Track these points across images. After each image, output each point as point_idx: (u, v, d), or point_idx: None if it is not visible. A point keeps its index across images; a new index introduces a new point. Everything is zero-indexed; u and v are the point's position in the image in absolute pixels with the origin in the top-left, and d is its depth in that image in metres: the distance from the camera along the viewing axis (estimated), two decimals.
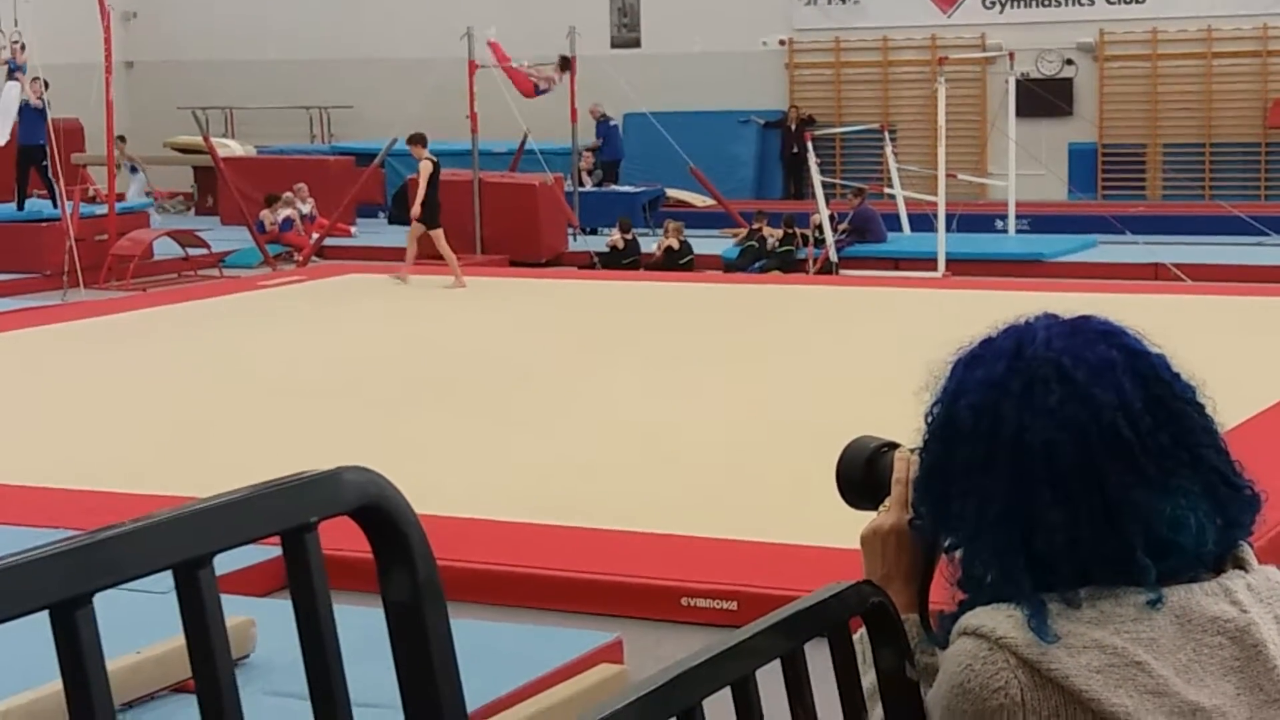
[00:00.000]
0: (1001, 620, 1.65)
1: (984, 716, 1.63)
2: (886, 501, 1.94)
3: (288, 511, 1.22)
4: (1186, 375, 1.74)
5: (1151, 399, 1.69)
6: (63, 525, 7.11)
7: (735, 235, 20.21)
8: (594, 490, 8.78)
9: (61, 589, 1.07)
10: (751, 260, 19.10)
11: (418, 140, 17.66)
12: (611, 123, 24.64)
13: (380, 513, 1.27)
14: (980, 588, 1.71)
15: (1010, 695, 1.62)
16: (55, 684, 5.14)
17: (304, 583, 1.24)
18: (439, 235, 17.18)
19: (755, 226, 19.56)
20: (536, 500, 8.50)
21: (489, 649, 5.96)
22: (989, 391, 1.71)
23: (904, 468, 1.92)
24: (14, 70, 20.55)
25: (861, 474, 2.00)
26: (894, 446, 2.00)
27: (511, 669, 6.03)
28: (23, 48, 20.37)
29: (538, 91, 21.48)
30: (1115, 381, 1.68)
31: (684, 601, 7.11)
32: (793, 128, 24.56)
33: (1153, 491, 1.66)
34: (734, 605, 6.96)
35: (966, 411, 1.72)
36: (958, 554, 1.77)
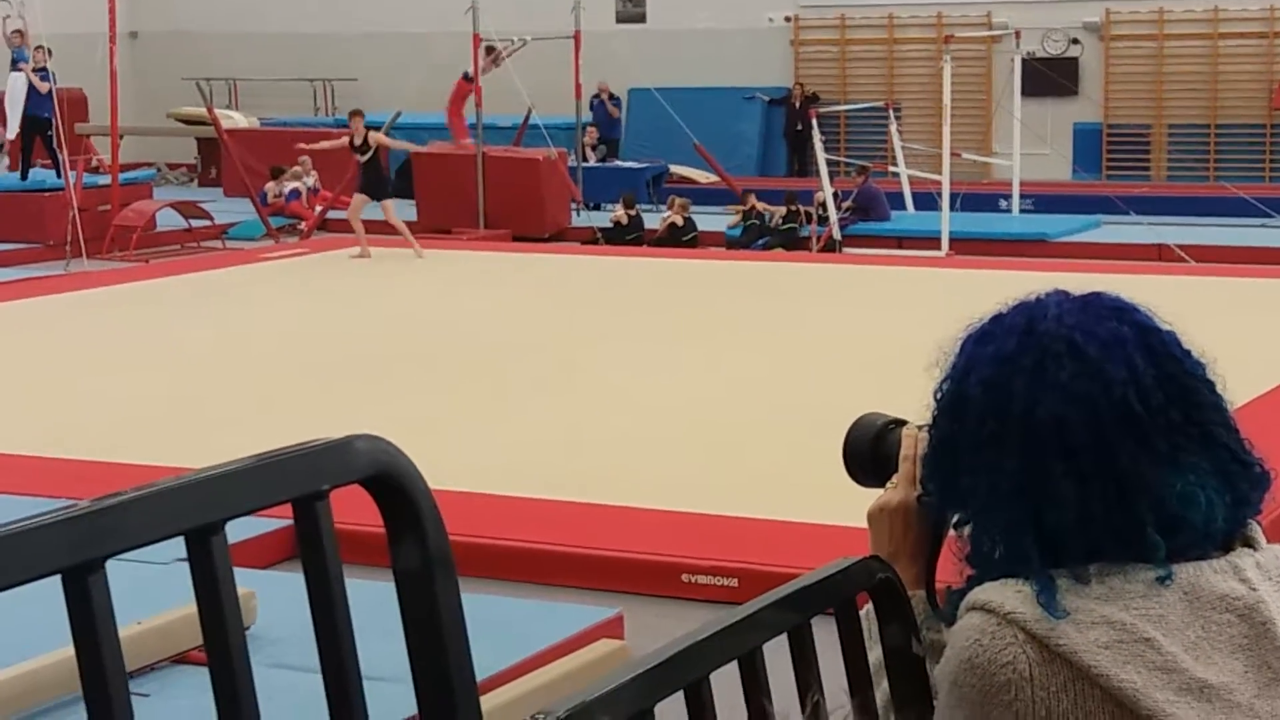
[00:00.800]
0: (1010, 595, 1.65)
1: (991, 691, 1.63)
2: (894, 478, 1.94)
3: (300, 479, 1.22)
4: (1196, 352, 1.74)
5: (1163, 375, 1.69)
6: (65, 495, 7.11)
7: (737, 212, 20.18)
8: (596, 466, 8.78)
9: (73, 554, 1.07)
10: (754, 238, 19.08)
11: (358, 114, 17.96)
12: (615, 99, 24.61)
13: (391, 481, 1.27)
14: (989, 564, 1.71)
15: (1018, 670, 1.62)
16: (56, 653, 5.16)
17: (315, 551, 1.24)
18: (388, 207, 17.45)
19: (748, 207, 19.52)
20: (538, 475, 8.51)
21: (490, 623, 5.97)
22: (1000, 367, 1.71)
23: (912, 444, 1.92)
24: (17, 61, 20.54)
25: (869, 451, 1.99)
26: (901, 423, 1.99)
27: (512, 643, 6.04)
28: (21, 34, 20.33)
29: (466, 80, 21.44)
30: (1126, 357, 1.68)
31: (685, 578, 7.12)
32: (797, 105, 24.52)
33: (1163, 467, 1.66)
34: (735, 582, 6.96)
35: (977, 387, 1.72)
36: (966, 530, 1.76)
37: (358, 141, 17.54)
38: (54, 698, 5.34)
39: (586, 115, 23.09)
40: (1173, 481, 1.66)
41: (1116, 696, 1.61)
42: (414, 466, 1.28)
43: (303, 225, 20.68)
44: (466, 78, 21.47)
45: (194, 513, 1.15)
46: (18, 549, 1.05)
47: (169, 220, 19.76)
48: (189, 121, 25.53)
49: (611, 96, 24.57)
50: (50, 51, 19.67)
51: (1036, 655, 1.62)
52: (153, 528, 1.12)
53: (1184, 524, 1.66)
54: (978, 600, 1.67)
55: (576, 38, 21.94)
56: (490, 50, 21.43)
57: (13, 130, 20.76)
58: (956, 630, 1.68)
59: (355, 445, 1.26)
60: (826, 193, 18.82)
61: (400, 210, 18.91)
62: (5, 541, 1.05)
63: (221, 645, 1.16)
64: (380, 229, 17.65)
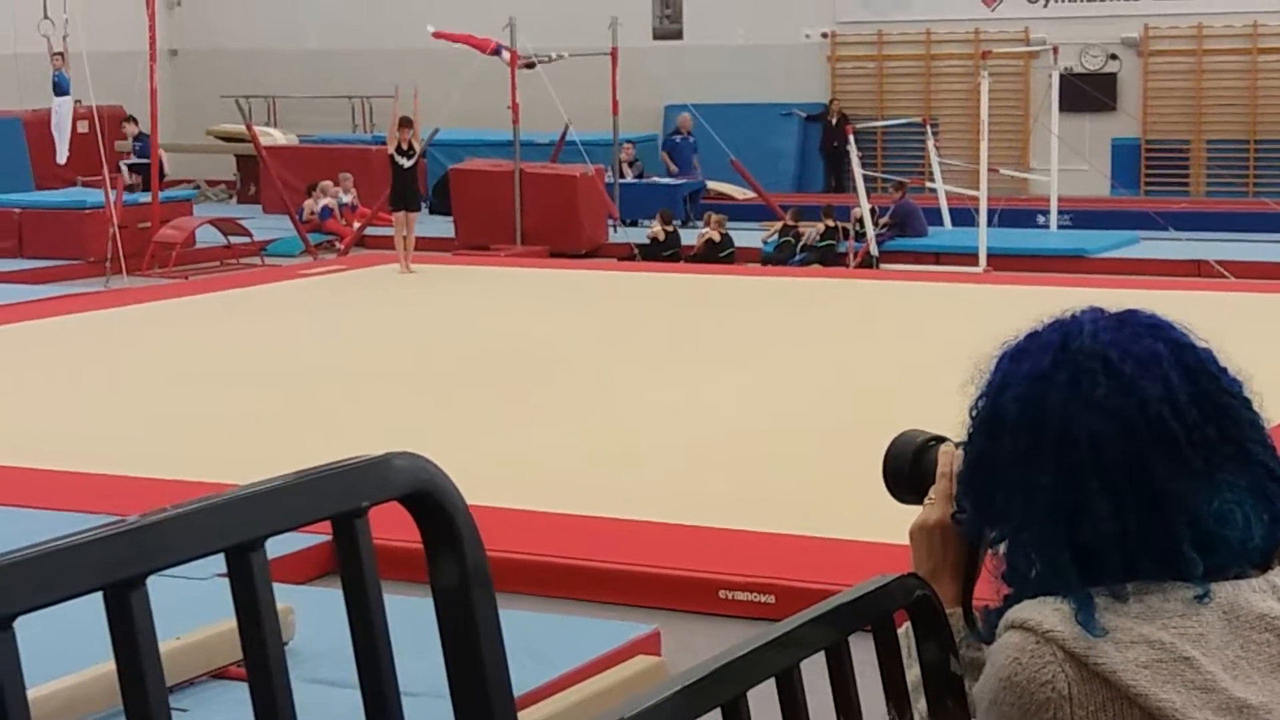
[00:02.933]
0: (1049, 614, 1.64)
1: (1031, 710, 1.63)
2: (931, 494, 1.94)
3: (339, 496, 1.23)
4: (1233, 369, 1.74)
5: (1199, 392, 1.68)
6: (105, 510, 7.15)
7: (768, 229, 20.17)
8: (632, 482, 8.78)
9: (115, 570, 1.08)
10: (789, 254, 19.07)
11: (408, 122, 17.99)
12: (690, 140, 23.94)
13: (430, 499, 1.27)
14: (1025, 582, 1.70)
15: (1057, 689, 1.62)
16: (96, 669, 5.19)
17: (354, 568, 1.25)
18: (414, 219, 17.60)
19: (790, 223, 19.51)
20: (574, 491, 8.52)
21: (526, 639, 5.98)
22: (1035, 384, 1.71)
23: (948, 462, 1.92)
24: (61, 84, 20.73)
25: (909, 468, 1.99)
26: (941, 440, 1.99)
27: (549, 659, 6.04)
28: (62, 57, 20.54)
29: (499, 49, 21.39)
30: (1162, 374, 1.68)
31: (721, 594, 7.11)
32: (833, 121, 24.50)
33: (1199, 485, 1.65)
34: (771, 599, 6.96)
35: (1012, 404, 1.72)
36: (1002, 548, 1.76)
37: (404, 147, 17.49)
38: (95, 712, 5.37)
39: (624, 132, 23.07)
40: (1209, 499, 1.65)
41: (1156, 715, 1.60)
42: (452, 484, 1.29)
43: (340, 245, 20.75)
44: (499, 48, 21.41)
45: (234, 530, 1.16)
46: (60, 566, 1.06)
47: (208, 237, 19.86)
48: (228, 139, 25.67)
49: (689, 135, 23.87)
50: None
51: (1075, 674, 1.62)
52: (194, 545, 1.13)
53: (1221, 542, 1.65)
54: (1016, 618, 1.66)
55: (614, 54, 21.98)
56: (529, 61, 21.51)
57: (63, 154, 20.94)
58: (995, 649, 1.68)
59: (394, 463, 1.26)
60: (864, 208, 18.81)
61: (439, 226, 18.98)
62: (48, 559, 1.06)
63: (261, 661, 1.17)
64: (437, 245, 17.91)
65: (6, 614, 1.04)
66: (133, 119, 23.34)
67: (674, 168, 23.67)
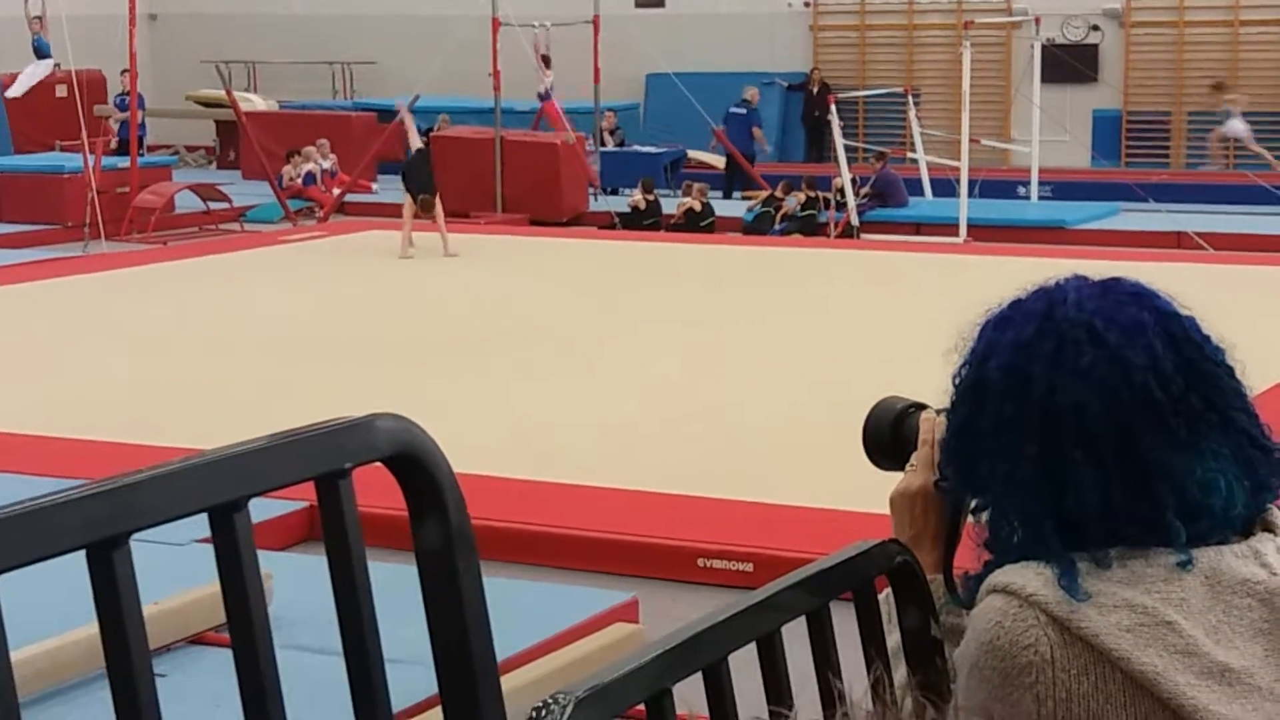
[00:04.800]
0: (1031, 578, 1.65)
1: (1012, 673, 1.63)
2: (913, 460, 1.94)
3: (323, 457, 1.22)
4: (1216, 338, 1.74)
5: (1183, 361, 1.68)
6: (83, 476, 7.13)
7: (751, 198, 20.14)
8: (611, 450, 8.79)
9: (98, 529, 1.08)
10: (768, 225, 19.05)
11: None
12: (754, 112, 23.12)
13: (414, 461, 1.27)
14: (1007, 549, 1.71)
15: (1039, 652, 1.62)
16: (77, 632, 5.18)
17: (338, 528, 1.24)
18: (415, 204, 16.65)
19: (778, 195, 19.49)
20: (553, 459, 8.52)
21: (505, 606, 5.96)
22: (1019, 353, 1.71)
23: (930, 429, 1.92)
24: (41, 49, 20.59)
25: (888, 435, 1.99)
26: (921, 407, 1.99)
27: (528, 626, 6.05)
28: (41, 20, 20.40)
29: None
30: (1147, 343, 1.68)
31: (700, 562, 7.12)
32: (814, 91, 24.43)
33: (1183, 453, 1.65)
34: (749, 567, 6.97)
35: (996, 373, 1.72)
36: (984, 516, 1.76)
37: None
38: (76, 676, 5.37)
39: (605, 100, 23.01)
40: (1193, 467, 1.65)
41: (1137, 679, 1.61)
42: (436, 446, 1.29)
43: (320, 211, 20.69)
44: (541, 97, 21.58)
45: (218, 489, 1.16)
46: (42, 524, 1.06)
47: (187, 202, 19.79)
48: (208, 104, 25.55)
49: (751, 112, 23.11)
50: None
51: (1058, 637, 1.62)
52: (177, 504, 1.13)
53: (1204, 510, 1.66)
54: (999, 582, 1.67)
55: (595, 22, 21.91)
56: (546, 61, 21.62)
57: (16, 91, 20.82)
58: (977, 613, 1.68)
59: (378, 424, 1.26)
60: (845, 179, 18.79)
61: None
62: (30, 517, 1.06)
63: (244, 620, 1.16)
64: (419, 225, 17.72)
65: None
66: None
67: (767, 147, 23.15)
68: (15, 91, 21.33)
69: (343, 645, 1.23)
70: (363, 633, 1.22)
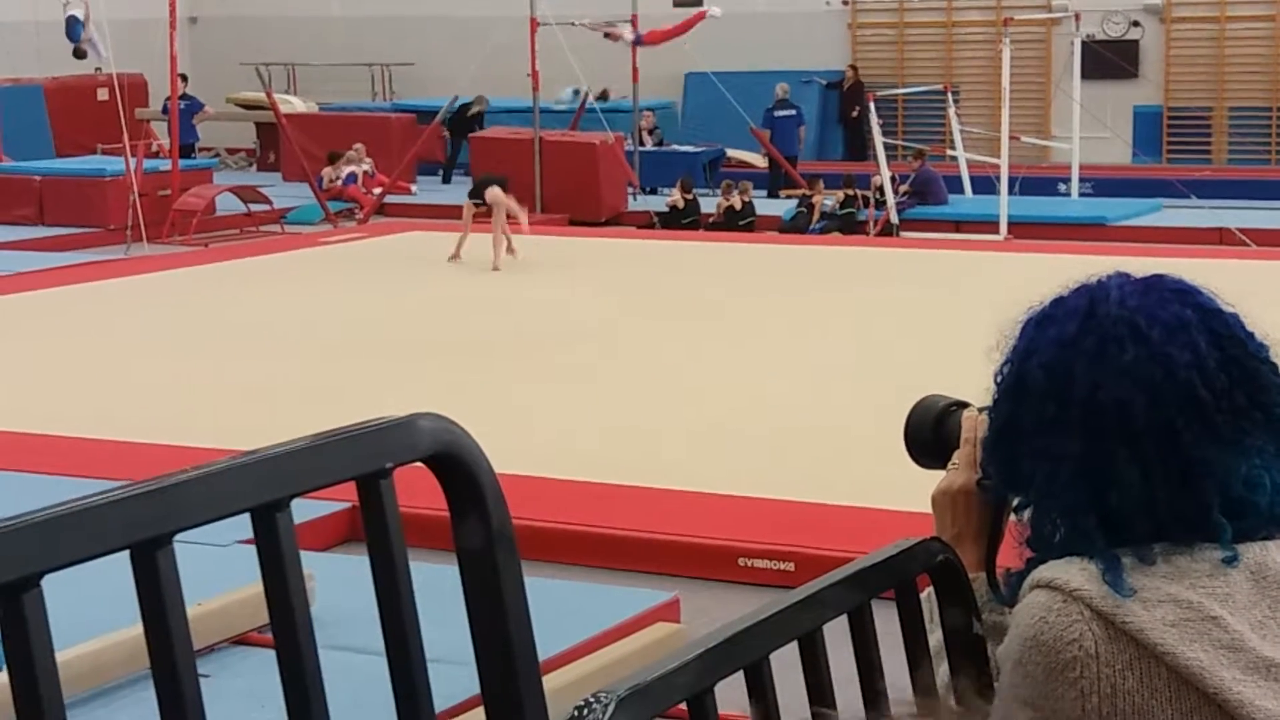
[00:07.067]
0: (1075, 573, 1.64)
1: (1057, 669, 1.62)
2: (955, 459, 1.93)
3: (364, 457, 1.23)
4: (1260, 335, 1.73)
5: (1226, 358, 1.68)
6: (127, 477, 7.16)
7: (793, 197, 20.13)
8: (651, 450, 8.79)
9: (141, 529, 1.08)
10: (805, 223, 19.02)
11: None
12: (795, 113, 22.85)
13: (454, 460, 1.27)
14: (1050, 546, 1.70)
15: (1084, 647, 1.61)
16: (121, 632, 5.21)
17: (379, 527, 1.25)
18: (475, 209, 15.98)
19: (809, 192, 19.47)
20: (594, 459, 8.52)
21: (547, 606, 5.98)
22: (1061, 350, 1.70)
23: (972, 427, 1.92)
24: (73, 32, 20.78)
25: (930, 433, 1.99)
26: (963, 406, 1.98)
27: (569, 626, 6.05)
28: (93, 44, 20.59)
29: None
30: (1190, 340, 1.67)
31: (741, 562, 7.12)
32: (846, 88, 24.38)
33: (1227, 450, 1.65)
34: (791, 566, 6.96)
35: (1038, 371, 1.71)
36: (1026, 514, 1.76)
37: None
38: (120, 677, 5.40)
39: (643, 99, 23.01)
40: (1237, 465, 1.65)
41: (1183, 674, 1.60)
42: (477, 445, 1.29)
43: (359, 213, 20.76)
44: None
45: (260, 489, 1.16)
46: (87, 525, 1.06)
47: (228, 205, 19.87)
48: (248, 106, 25.66)
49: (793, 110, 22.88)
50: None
51: (1102, 632, 1.62)
52: (219, 504, 1.13)
53: (1249, 507, 1.65)
54: (1043, 578, 1.66)
55: (634, 21, 21.91)
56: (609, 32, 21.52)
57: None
58: (1021, 608, 1.68)
59: (419, 424, 1.26)
60: (884, 176, 18.75)
61: (458, 194, 18.83)
62: (74, 517, 1.06)
63: (287, 619, 1.17)
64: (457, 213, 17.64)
65: (34, 572, 1.04)
66: (184, 77, 22.71)
67: (797, 147, 22.72)
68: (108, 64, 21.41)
69: (385, 645, 1.23)
70: (405, 633, 1.22)
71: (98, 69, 21.93)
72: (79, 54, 21.74)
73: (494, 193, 15.69)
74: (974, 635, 1.80)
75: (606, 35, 21.61)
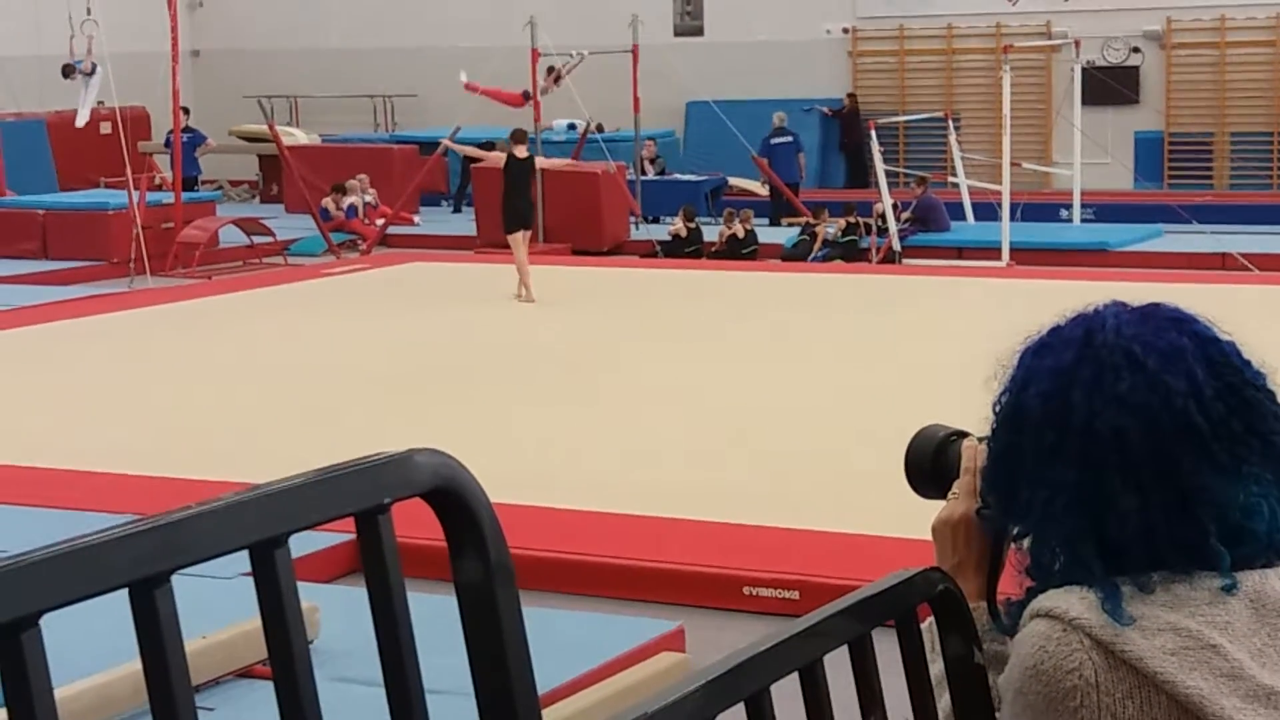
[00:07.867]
0: (1075, 602, 1.64)
1: (1056, 698, 1.63)
2: (955, 488, 1.93)
3: (362, 493, 1.23)
4: (1257, 362, 1.73)
5: (1223, 386, 1.68)
6: (128, 510, 7.17)
7: (795, 225, 20.16)
8: (655, 479, 8.78)
9: (140, 567, 1.09)
10: (807, 251, 19.06)
11: (521, 138, 16.34)
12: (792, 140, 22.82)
13: (452, 495, 1.27)
14: (1049, 575, 1.70)
15: (1084, 677, 1.62)
16: (126, 667, 5.21)
17: (377, 564, 1.25)
18: (515, 240, 15.61)
19: (811, 220, 19.51)
20: (597, 489, 8.52)
21: (552, 636, 5.98)
22: (1058, 379, 1.71)
23: (972, 456, 1.92)
24: (75, 65, 20.88)
25: (930, 463, 1.99)
26: (963, 435, 1.99)
27: (574, 656, 6.05)
28: (94, 67, 20.67)
29: (525, 98, 21.42)
30: (1186, 368, 1.67)
31: (746, 590, 7.11)
32: (840, 114, 24.48)
33: (1225, 478, 1.65)
34: (796, 595, 6.96)
35: (1035, 400, 1.72)
36: (1025, 543, 1.76)
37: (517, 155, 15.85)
38: (121, 713, 5.39)
39: (645, 128, 23.06)
40: (1235, 492, 1.65)
41: (1183, 703, 1.60)
42: (475, 480, 1.29)
43: (362, 244, 20.79)
44: (526, 96, 21.53)
45: (258, 526, 1.16)
46: (85, 563, 1.06)
47: (231, 237, 19.91)
48: (250, 139, 25.74)
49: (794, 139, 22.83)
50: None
51: (1102, 661, 1.62)
52: (218, 542, 1.14)
53: (1247, 534, 1.65)
54: (1042, 607, 1.66)
55: (634, 51, 21.98)
56: (551, 70, 21.50)
57: (83, 117, 21.18)
58: (1021, 638, 1.68)
59: (416, 459, 1.26)
60: (886, 204, 18.79)
61: (461, 224, 18.87)
62: (73, 556, 1.07)
63: (286, 657, 1.17)
64: (460, 244, 17.68)
65: (33, 611, 1.04)
66: (186, 110, 22.73)
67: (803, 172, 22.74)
68: (82, 119, 21.55)
69: (384, 678, 1.24)
70: (403, 666, 1.22)
71: (100, 102, 22.02)
72: (66, 71, 21.87)
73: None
74: (975, 665, 1.80)
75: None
